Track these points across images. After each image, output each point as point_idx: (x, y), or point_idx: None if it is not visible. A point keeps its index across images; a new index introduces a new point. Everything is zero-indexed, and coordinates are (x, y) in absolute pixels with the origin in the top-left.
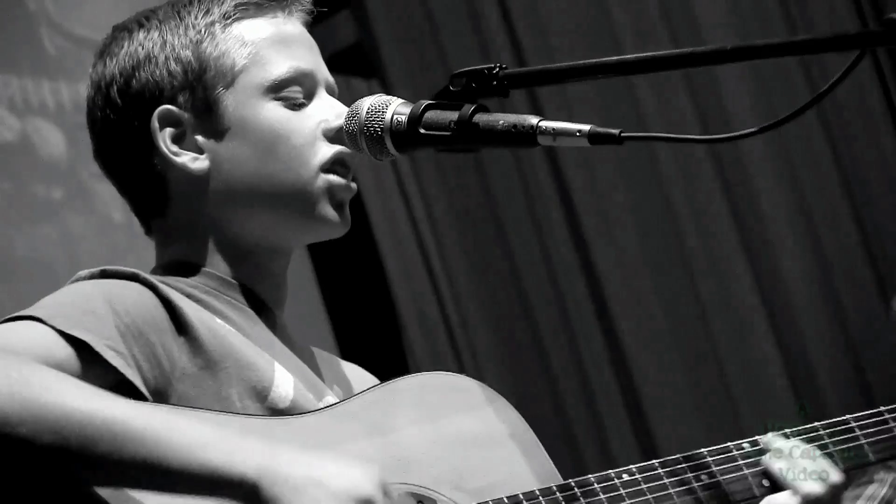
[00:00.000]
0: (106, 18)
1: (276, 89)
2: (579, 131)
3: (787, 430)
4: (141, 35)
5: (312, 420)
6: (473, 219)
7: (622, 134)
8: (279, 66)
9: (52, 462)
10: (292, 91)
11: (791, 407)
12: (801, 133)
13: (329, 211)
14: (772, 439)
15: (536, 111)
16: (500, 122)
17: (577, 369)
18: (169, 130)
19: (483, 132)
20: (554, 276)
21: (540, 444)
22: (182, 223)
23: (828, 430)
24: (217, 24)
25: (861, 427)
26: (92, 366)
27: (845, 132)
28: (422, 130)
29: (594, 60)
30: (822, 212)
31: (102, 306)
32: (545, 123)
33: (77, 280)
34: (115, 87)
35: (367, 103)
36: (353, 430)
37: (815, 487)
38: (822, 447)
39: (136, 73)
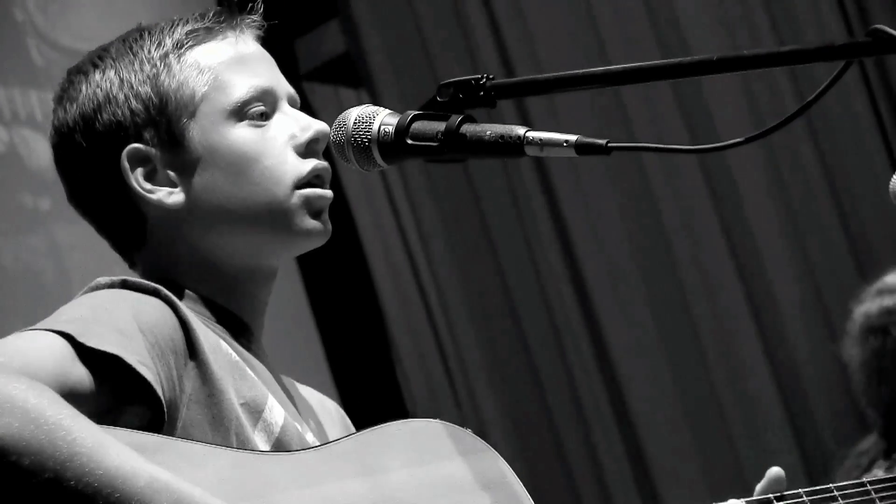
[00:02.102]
0: (93, 29)
1: (239, 111)
2: (566, 141)
3: (770, 497)
4: (97, 76)
5: (306, 457)
6: (461, 227)
7: (609, 144)
8: (239, 89)
9: (43, 495)
10: (255, 110)
11: (782, 420)
12: (789, 142)
13: (309, 222)
14: None
15: (524, 121)
16: (488, 132)
17: (565, 377)
18: (140, 169)
19: (470, 143)
20: (542, 285)
21: (528, 495)
22: (163, 254)
23: (811, 498)
24: (171, 55)
25: (843, 496)
26: (109, 385)
27: (833, 141)
28: (409, 141)
29: (581, 71)
30: (809, 220)
31: (130, 323)
32: (532, 134)
33: (97, 288)
34: (79, 132)
35: (354, 114)
36: (345, 469)
37: None
38: None
39: (98, 116)
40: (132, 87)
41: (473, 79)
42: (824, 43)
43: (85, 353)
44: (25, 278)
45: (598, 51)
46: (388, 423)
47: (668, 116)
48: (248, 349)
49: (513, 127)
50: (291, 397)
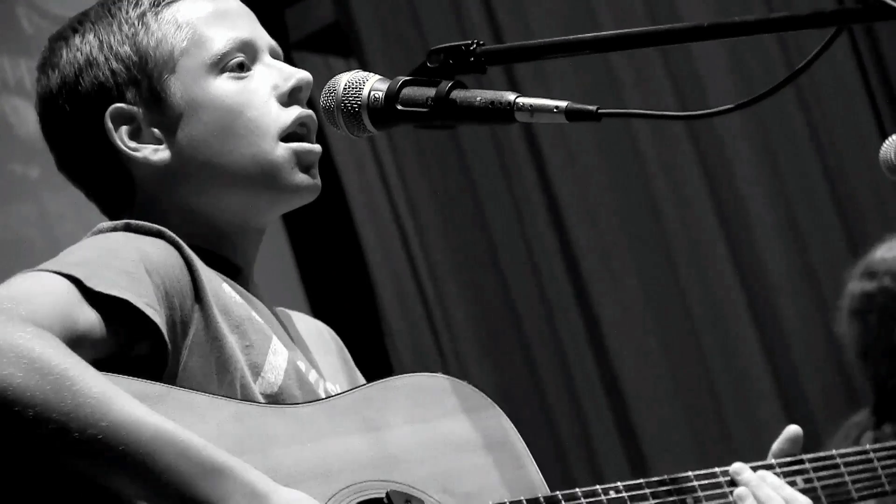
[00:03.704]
0: None
1: (219, 64)
2: (556, 107)
3: (773, 462)
4: (77, 40)
5: (308, 411)
6: (451, 197)
7: (599, 110)
8: (218, 42)
9: (47, 446)
10: (235, 62)
11: (771, 391)
12: (779, 112)
13: (299, 177)
14: (740, 468)
15: (514, 88)
16: (478, 98)
17: (555, 349)
18: (124, 128)
19: (460, 108)
20: (532, 256)
21: (530, 455)
22: (153, 215)
23: (813, 465)
24: (149, 14)
25: (846, 464)
26: (118, 327)
27: (822, 111)
28: (399, 107)
29: (571, 37)
30: (800, 191)
31: (137, 265)
32: (522, 100)
33: (100, 232)
34: (62, 98)
35: (344, 80)
36: (346, 424)
37: None
38: (806, 480)
39: (80, 79)
40: (111, 48)
41: (463, 45)
42: (814, 10)
43: (93, 297)
44: (14, 246)
45: (588, 17)
46: (392, 378)
47: (657, 84)
48: (247, 289)
49: (503, 93)
50: (289, 332)
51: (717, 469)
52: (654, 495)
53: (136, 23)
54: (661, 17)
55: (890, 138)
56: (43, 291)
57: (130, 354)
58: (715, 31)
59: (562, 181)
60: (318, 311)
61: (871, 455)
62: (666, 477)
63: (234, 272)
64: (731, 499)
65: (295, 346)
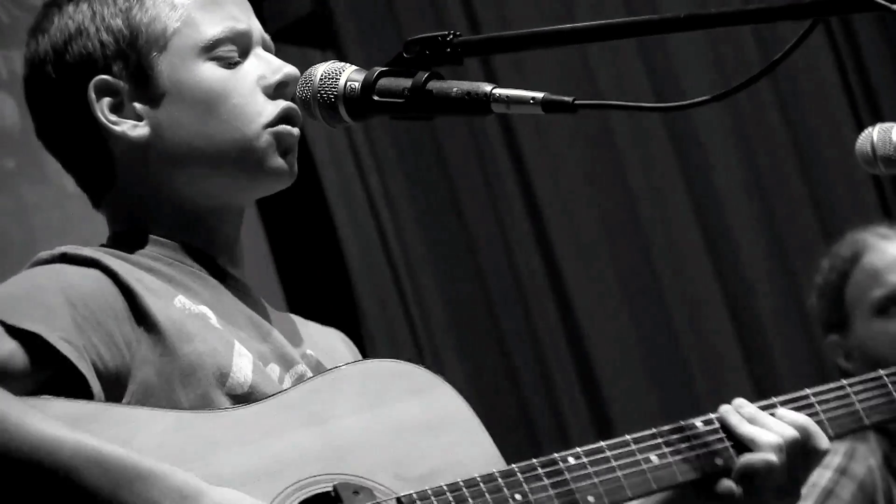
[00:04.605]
0: None
1: (210, 49)
2: (533, 99)
3: (774, 400)
4: (70, 8)
5: (253, 410)
6: (428, 189)
7: (576, 101)
8: (212, 27)
9: None
10: (227, 50)
11: (743, 372)
12: (756, 104)
13: (277, 161)
14: (729, 409)
15: (491, 79)
16: (454, 89)
17: (532, 341)
18: (106, 100)
19: (437, 99)
20: (508, 246)
21: (484, 429)
22: (130, 193)
23: (818, 398)
24: None
25: (856, 392)
26: (42, 358)
27: (798, 100)
28: (375, 97)
29: (548, 28)
30: (774, 179)
31: (57, 298)
32: (499, 91)
33: (36, 263)
34: (49, 64)
35: (320, 70)
36: (291, 419)
37: (773, 438)
38: (812, 414)
39: (69, 47)
40: (104, 19)
41: (440, 35)
42: (791, 1)
43: (12, 331)
44: None
45: (565, 9)
46: (337, 367)
47: (634, 76)
48: (226, 284)
49: (479, 84)
50: (288, 333)
51: (681, 422)
52: (616, 457)
53: None
54: (637, 8)
55: (866, 130)
56: None
57: (59, 384)
58: (691, 22)
59: (538, 172)
60: (293, 302)
61: (849, 390)
62: (627, 437)
63: (212, 265)
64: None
65: (274, 348)
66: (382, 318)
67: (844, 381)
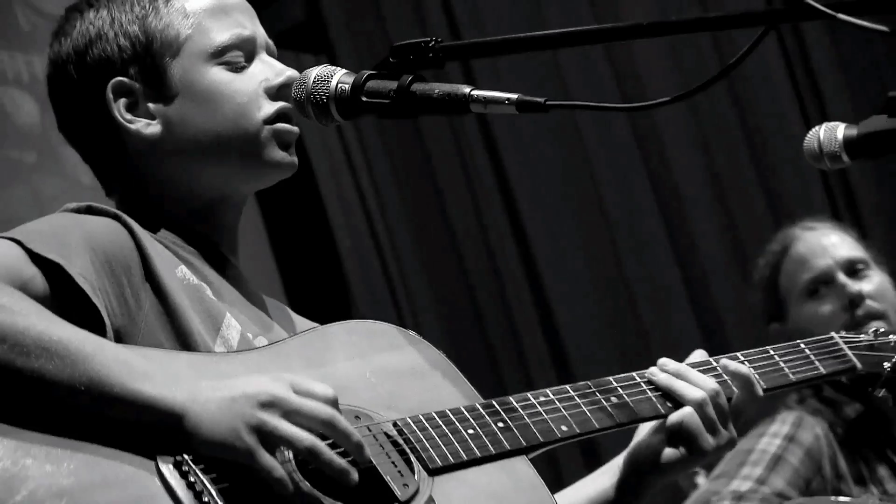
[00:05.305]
0: None
1: (218, 55)
2: (508, 99)
3: (712, 358)
4: (91, 14)
5: (255, 355)
6: (413, 181)
7: (547, 102)
8: (221, 34)
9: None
10: (234, 56)
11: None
12: (712, 103)
13: (278, 153)
14: (664, 362)
15: (469, 81)
16: (436, 90)
17: (505, 313)
18: (123, 100)
19: (420, 100)
20: (485, 232)
21: (462, 375)
22: (141, 183)
23: (748, 358)
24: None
25: (780, 356)
26: (59, 291)
27: (751, 101)
28: (364, 98)
29: (522, 35)
30: (729, 173)
31: (79, 240)
32: (477, 92)
33: (64, 210)
34: (71, 65)
35: (313, 73)
36: (291, 364)
37: (697, 393)
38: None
39: (90, 50)
40: (122, 25)
41: (423, 42)
42: (745, 10)
43: (35, 259)
44: (10, 226)
45: (538, 17)
46: (326, 325)
47: (601, 78)
48: (221, 270)
49: (459, 86)
50: (265, 318)
51: (633, 373)
52: (581, 396)
53: (147, 5)
54: (604, 16)
55: (813, 129)
56: None
57: (75, 321)
58: (654, 29)
59: (513, 165)
60: (289, 287)
61: (804, 347)
62: (587, 382)
63: (211, 250)
64: (650, 394)
65: (261, 322)
66: (369, 295)
67: (769, 347)
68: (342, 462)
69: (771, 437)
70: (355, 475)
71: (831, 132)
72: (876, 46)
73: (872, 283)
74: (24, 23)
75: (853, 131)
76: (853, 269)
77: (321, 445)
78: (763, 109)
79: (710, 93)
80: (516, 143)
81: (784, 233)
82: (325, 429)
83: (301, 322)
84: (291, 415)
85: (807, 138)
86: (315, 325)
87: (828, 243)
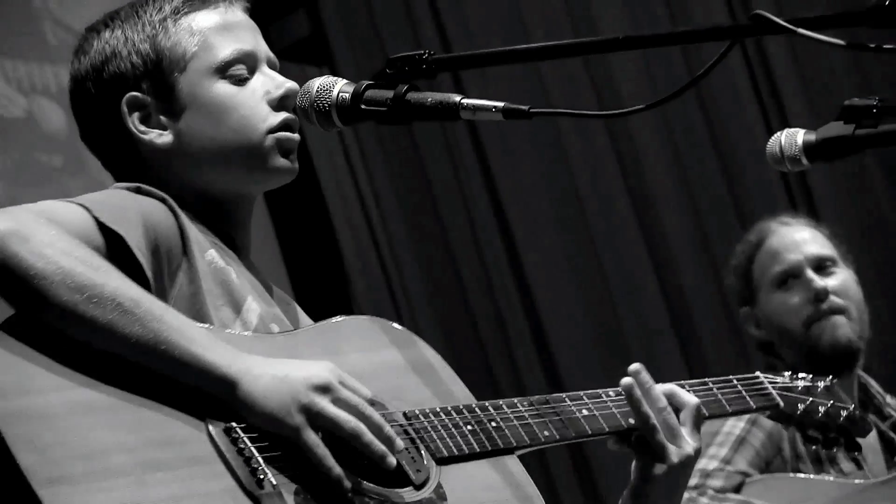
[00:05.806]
0: (99, 14)
1: (222, 69)
2: (495, 107)
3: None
4: (107, 34)
5: (282, 339)
6: (408, 183)
7: (531, 109)
8: (224, 50)
9: (76, 318)
10: (237, 69)
11: (670, 334)
12: (682, 111)
13: (280, 160)
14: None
15: (459, 90)
16: (429, 99)
17: (492, 307)
18: (137, 114)
19: (414, 108)
20: (475, 231)
21: (456, 375)
22: (157, 187)
23: (693, 388)
24: (169, 19)
25: (718, 388)
26: (115, 262)
27: (718, 108)
28: (363, 106)
29: (508, 48)
30: (697, 175)
31: (135, 216)
32: (466, 101)
33: (116, 188)
34: (89, 81)
35: (316, 83)
36: (312, 350)
37: (647, 409)
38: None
39: (105, 68)
40: (134, 44)
41: (417, 54)
42: (712, 25)
43: (101, 228)
44: None
45: (522, 32)
46: (335, 318)
47: (580, 88)
48: (238, 257)
49: (450, 95)
50: (275, 307)
51: (599, 391)
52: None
53: (157, 25)
54: (583, 31)
55: (775, 135)
56: (64, 210)
57: None
58: (629, 43)
59: (499, 168)
60: (294, 278)
61: (736, 383)
62: (563, 394)
63: (229, 242)
64: (614, 410)
65: (273, 308)
66: (368, 289)
67: (707, 379)
68: (382, 446)
69: (736, 420)
70: (393, 459)
71: (792, 137)
72: (833, 58)
73: (838, 279)
74: (51, 37)
75: (812, 136)
76: (821, 265)
77: (364, 429)
78: (728, 116)
79: (680, 101)
80: (503, 147)
81: (761, 225)
82: (363, 419)
83: (303, 317)
84: (338, 402)
85: (769, 143)
86: (312, 322)
87: (800, 239)
